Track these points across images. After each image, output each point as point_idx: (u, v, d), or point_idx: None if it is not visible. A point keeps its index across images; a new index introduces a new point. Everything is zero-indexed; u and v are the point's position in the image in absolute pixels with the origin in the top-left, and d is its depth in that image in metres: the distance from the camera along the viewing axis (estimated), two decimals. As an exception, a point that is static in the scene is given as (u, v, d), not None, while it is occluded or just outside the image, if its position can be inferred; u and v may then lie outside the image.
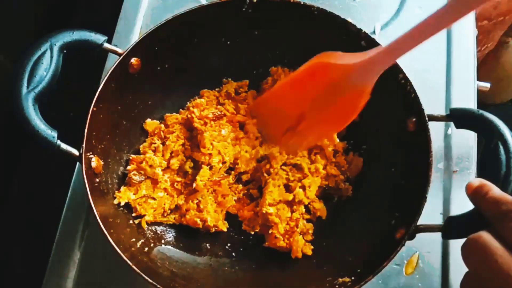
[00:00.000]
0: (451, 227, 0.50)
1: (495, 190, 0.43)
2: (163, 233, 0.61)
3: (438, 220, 0.61)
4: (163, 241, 0.60)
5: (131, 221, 0.59)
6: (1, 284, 0.72)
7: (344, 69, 0.49)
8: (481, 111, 0.53)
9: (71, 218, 0.62)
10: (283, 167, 0.62)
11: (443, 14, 0.41)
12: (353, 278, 0.52)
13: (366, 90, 0.49)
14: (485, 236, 0.40)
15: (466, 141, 0.66)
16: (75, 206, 0.62)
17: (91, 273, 0.60)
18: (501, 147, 0.50)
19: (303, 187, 0.61)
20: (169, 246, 0.59)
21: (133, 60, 0.58)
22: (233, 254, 0.61)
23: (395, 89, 0.57)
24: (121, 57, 0.56)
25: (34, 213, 0.74)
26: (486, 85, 0.71)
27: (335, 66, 0.50)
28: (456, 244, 0.59)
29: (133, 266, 0.49)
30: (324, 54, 0.51)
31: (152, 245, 0.58)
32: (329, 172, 0.63)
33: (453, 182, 0.63)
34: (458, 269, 0.45)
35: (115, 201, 0.58)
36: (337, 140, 0.65)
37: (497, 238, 0.40)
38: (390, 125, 0.60)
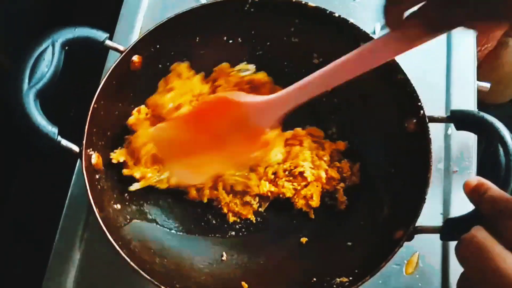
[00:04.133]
0: (450, 229, 0.50)
1: (493, 189, 0.43)
2: (166, 219, 0.61)
3: (439, 220, 0.61)
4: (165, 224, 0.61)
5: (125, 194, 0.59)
6: (1, 284, 0.72)
7: (244, 107, 0.52)
8: (481, 113, 0.53)
9: (71, 218, 0.62)
10: (288, 177, 0.61)
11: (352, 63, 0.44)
12: (350, 278, 0.52)
13: (263, 131, 0.52)
14: (480, 235, 0.39)
15: (466, 141, 0.66)
16: (75, 206, 0.62)
17: (91, 273, 0.60)
18: (501, 150, 0.50)
19: (305, 198, 0.60)
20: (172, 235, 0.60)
21: (135, 58, 0.58)
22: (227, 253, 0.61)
23: (395, 90, 0.57)
24: (123, 54, 0.56)
25: (34, 213, 0.75)
26: (486, 85, 0.70)
27: (236, 103, 0.53)
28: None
29: (132, 264, 0.49)
30: (228, 92, 0.55)
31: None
32: (329, 175, 0.62)
33: (453, 183, 0.63)
34: (458, 269, 0.45)
35: (113, 161, 0.57)
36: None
37: (493, 236, 0.39)
38: (390, 126, 0.60)
